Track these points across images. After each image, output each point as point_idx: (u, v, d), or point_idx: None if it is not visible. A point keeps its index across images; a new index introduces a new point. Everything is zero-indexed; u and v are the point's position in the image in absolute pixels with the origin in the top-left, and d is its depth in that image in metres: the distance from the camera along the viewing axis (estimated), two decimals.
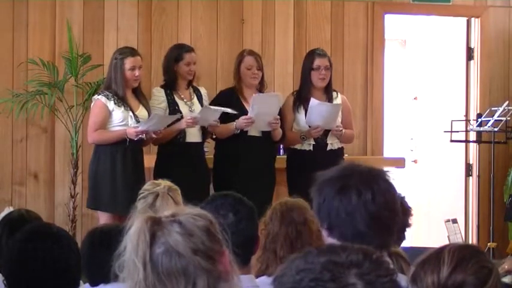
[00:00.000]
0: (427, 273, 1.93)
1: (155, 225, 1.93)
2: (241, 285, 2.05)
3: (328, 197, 2.36)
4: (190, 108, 6.22)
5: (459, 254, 1.95)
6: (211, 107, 6.15)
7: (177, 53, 6.28)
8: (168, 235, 1.92)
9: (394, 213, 2.40)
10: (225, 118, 6.18)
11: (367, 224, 2.33)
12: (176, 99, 6.23)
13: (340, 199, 2.34)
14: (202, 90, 6.45)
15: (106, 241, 2.99)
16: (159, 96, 6.23)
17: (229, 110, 6.09)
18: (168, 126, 6.06)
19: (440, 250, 1.97)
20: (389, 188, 2.40)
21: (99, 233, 3.24)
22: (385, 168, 2.58)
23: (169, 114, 6.15)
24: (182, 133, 6.16)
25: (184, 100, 6.26)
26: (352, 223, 2.34)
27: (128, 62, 6.00)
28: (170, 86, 6.26)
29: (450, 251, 1.96)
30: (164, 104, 6.20)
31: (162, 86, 6.29)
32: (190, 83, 6.36)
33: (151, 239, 1.92)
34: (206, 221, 1.97)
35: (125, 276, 1.93)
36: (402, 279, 1.96)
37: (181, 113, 6.15)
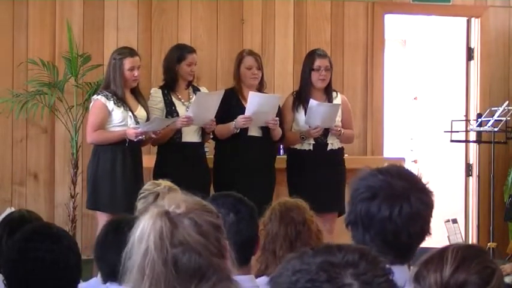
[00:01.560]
0: (430, 272, 1.93)
1: (170, 221, 1.92)
2: (238, 284, 2.05)
3: (356, 200, 2.36)
4: (188, 109, 6.20)
5: (462, 254, 1.95)
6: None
7: (180, 53, 6.27)
8: (185, 232, 1.91)
9: (412, 238, 2.36)
10: (224, 118, 6.18)
11: (375, 240, 2.32)
12: (173, 99, 6.22)
13: (362, 207, 2.34)
14: (203, 90, 6.44)
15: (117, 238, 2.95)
16: (156, 97, 6.23)
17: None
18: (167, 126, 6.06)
19: (444, 249, 1.97)
20: (414, 214, 2.34)
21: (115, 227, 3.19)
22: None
23: (166, 114, 6.15)
24: (178, 133, 6.16)
25: (182, 101, 6.25)
26: (363, 234, 2.34)
27: (127, 63, 5.99)
28: (169, 86, 6.26)
29: (454, 251, 1.96)
30: (161, 105, 6.20)
31: (160, 87, 6.29)
32: (190, 84, 6.36)
33: (169, 234, 1.90)
34: (214, 216, 1.98)
35: (136, 271, 1.91)
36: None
37: (177, 113, 6.15)
